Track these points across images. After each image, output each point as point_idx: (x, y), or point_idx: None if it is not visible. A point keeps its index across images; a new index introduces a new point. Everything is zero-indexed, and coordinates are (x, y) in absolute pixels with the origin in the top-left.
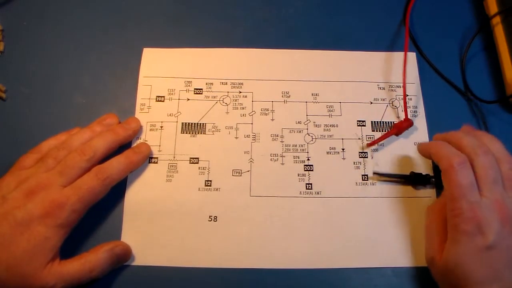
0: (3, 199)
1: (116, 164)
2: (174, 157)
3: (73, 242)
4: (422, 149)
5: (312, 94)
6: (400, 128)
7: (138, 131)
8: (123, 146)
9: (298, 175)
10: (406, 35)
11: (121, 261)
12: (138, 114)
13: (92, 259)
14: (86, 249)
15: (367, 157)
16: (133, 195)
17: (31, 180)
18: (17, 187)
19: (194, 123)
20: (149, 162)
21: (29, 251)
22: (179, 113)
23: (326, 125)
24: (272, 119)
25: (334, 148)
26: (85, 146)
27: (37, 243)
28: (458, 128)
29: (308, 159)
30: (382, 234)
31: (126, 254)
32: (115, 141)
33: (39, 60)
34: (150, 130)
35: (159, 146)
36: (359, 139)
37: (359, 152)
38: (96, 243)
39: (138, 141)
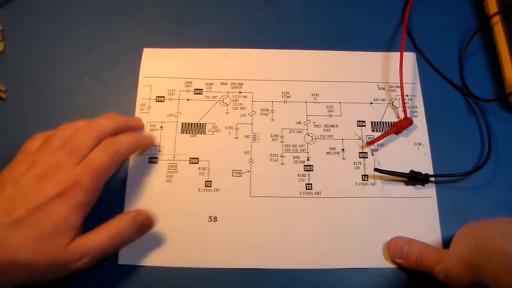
0: (15, 184)
1: (125, 139)
2: (174, 157)
3: None
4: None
5: (312, 94)
6: (400, 126)
7: (142, 127)
8: None
9: (298, 175)
10: (403, 34)
11: (145, 230)
12: (138, 114)
13: (115, 230)
14: None
15: (367, 157)
16: (133, 195)
17: (40, 163)
18: (27, 171)
19: (194, 123)
20: (149, 162)
21: (51, 233)
22: (179, 113)
23: (326, 125)
24: (272, 119)
25: (334, 148)
26: (91, 123)
27: (57, 224)
28: (456, 126)
29: (308, 159)
30: (382, 234)
31: (149, 222)
32: (120, 122)
33: (39, 60)
34: (150, 130)
35: (159, 146)
36: (359, 139)
37: (359, 152)
38: None
39: None
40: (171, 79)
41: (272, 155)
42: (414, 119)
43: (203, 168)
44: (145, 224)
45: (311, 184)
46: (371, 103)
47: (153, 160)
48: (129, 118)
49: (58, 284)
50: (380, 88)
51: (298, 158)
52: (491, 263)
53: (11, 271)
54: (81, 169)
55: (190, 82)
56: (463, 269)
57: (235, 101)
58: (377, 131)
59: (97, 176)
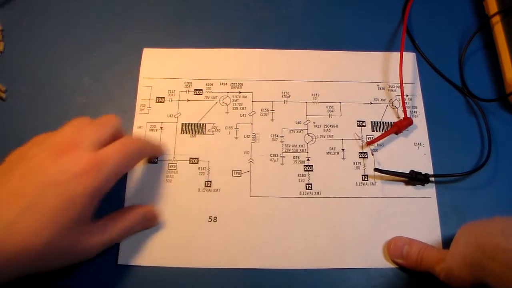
0: (28, 159)
1: (137, 141)
2: (174, 157)
3: None
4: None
5: (312, 94)
6: (400, 126)
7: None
8: None
9: (298, 175)
10: (403, 34)
11: (149, 226)
12: (138, 115)
13: (127, 225)
14: None
15: (367, 157)
16: (133, 196)
17: (57, 137)
18: (39, 146)
19: (194, 124)
20: (149, 162)
21: (69, 218)
22: (179, 114)
23: (326, 125)
24: (272, 119)
25: (334, 148)
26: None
27: (76, 208)
28: (456, 126)
29: (308, 159)
30: (382, 234)
31: (154, 221)
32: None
33: (39, 60)
34: (150, 130)
35: None
36: (359, 139)
37: (359, 152)
38: None
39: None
40: (171, 80)
41: (272, 155)
42: (414, 119)
43: (203, 168)
44: (151, 222)
45: (311, 184)
46: (371, 103)
47: (153, 160)
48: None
49: (58, 283)
50: (380, 88)
51: (298, 158)
52: (493, 261)
53: (25, 259)
54: (103, 154)
55: (190, 83)
56: (465, 269)
57: (235, 101)
58: (377, 131)
59: (121, 164)
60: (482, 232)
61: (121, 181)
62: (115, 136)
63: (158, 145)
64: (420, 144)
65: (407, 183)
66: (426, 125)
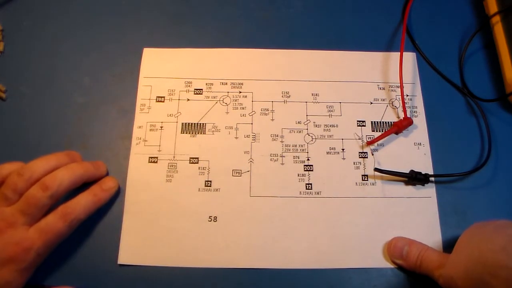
0: None
1: (84, 203)
2: (174, 157)
3: (73, 243)
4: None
5: (312, 94)
6: (400, 126)
7: (104, 174)
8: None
9: (298, 175)
10: (403, 34)
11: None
12: (138, 115)
13: None
14: (84, 249)
15: (367, 157)
16: (133, 195)
17: None
18: None
19: (194, 123)
20: (149, 162)
21: None
22: (179, 113)
23: (326, 125)
24: (272, 119)
25: (334, 148)
26: (48, 178)
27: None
28: (456, 126)
29: (308, 159)
30: (382, 234)
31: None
32: (83, 176)
33: (39, 60)
34: (150, 130)
35: (159, 146)
36: (359, 139)
37: (359, 152)
38: (96, 243)
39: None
40: (171, 79)
41: (272, 155)
42: (414, 119)
43: (203, 168)
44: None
45: (311, 184)
46: (371, 103)
47: (153, 160)
48: (91, 167)
49: (58, 283)
50: (380, 88)
51: (298, 158)
52: (494, 278)
53: None
54: (35, 234)
55: (190, 82)
56: (467, 282)
57: (235, 101)
58: (377, 131)
59: (51, 242)
60: (485, 246)
61: (121, 181)
62: (75, 185)
63: (101, 202)
64: (420, 144)
65: (407, 183)
66: (426, 125)
